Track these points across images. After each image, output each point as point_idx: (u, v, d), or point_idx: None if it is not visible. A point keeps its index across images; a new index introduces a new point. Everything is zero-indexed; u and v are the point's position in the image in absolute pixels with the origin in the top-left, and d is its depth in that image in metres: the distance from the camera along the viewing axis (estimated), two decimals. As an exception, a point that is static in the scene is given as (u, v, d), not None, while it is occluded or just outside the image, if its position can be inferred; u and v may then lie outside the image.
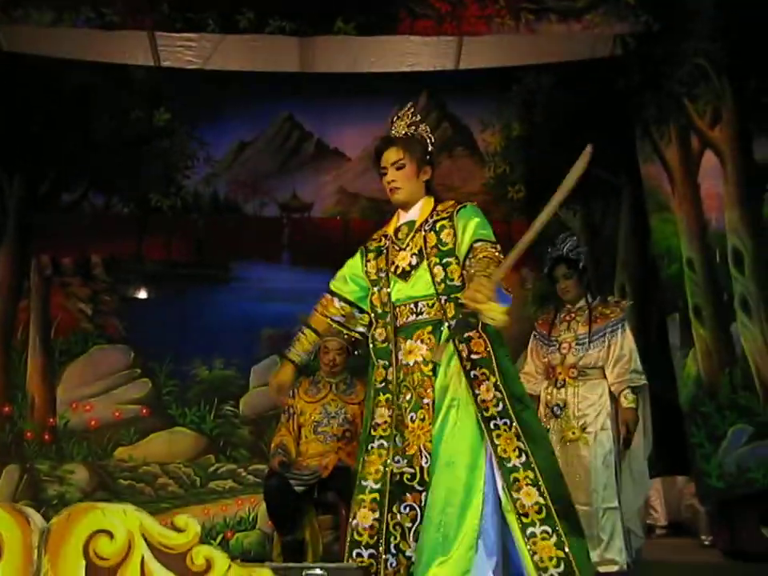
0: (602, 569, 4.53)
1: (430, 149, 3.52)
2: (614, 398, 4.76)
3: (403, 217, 3.50)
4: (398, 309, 3.34)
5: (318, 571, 2.46)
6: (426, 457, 3.14)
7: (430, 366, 3.22)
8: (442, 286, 3.25)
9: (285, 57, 6.97)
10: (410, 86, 7.12)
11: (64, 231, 6.95)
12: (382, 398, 3.30)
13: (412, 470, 3.15)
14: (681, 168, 6.11)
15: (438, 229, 3.36)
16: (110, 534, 1.96)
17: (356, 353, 5.57)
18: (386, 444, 3.23)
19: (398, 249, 3.43)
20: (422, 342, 3.25)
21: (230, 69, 7.04)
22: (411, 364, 3.25)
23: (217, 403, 6.84)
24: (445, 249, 3.30)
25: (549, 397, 4.83)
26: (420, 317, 3.27)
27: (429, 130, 3.59)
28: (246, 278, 7.08)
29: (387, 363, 3.32)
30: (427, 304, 3.28)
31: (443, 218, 3.39)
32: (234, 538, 6.33)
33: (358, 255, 3.62)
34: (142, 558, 1.97)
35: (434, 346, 3.21)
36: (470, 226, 3.24)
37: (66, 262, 7.03)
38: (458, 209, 3.35)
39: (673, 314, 6.03)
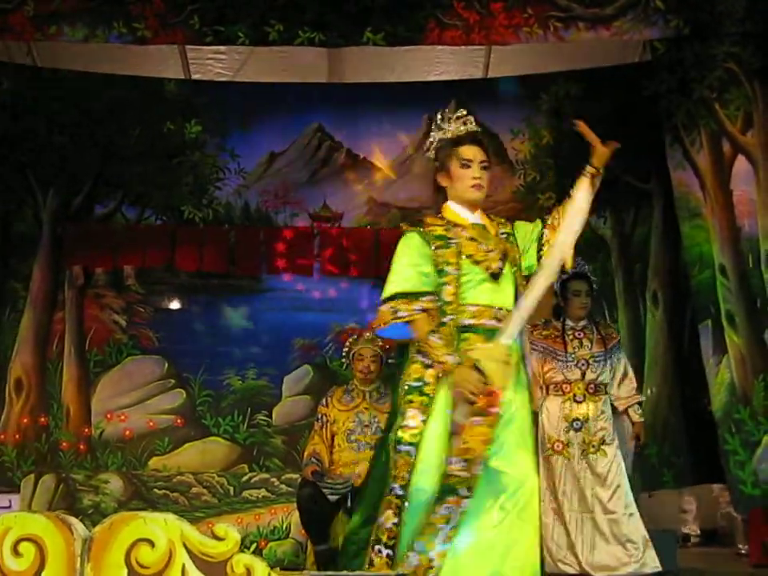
0: (646, 570, 4.66)
1: None
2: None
3: (466, 216, 3.33)
4: (474, 308, 3.16)
5: (354, 580, 2.48)
6: (482, 464, 3.07)
7: None
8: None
9: (314, 68, 7.02)
10: (438, 96, 7.12)
11: (97, 243, 7.03)
12: (416, 398, 3.14)
13: (466, 475, 3.05)
14: (712, 174, 6.06)
15: (510, 240, 3.33)
16: (152, 543, 1.98)
17: (389, 361, 5.59)
18: (412, 452, 3.13)
19: (483, 247, 3.24)
20: None
21: (260, 80, 7.11)
22: None
23: (250, 413, 6.88)
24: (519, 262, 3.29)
25: (567, 411, 4.96)
26: (499, 323, 3.12)
27: None
28: (277, 288, 7.11)
29: (430, 362, 3.14)
30: (506, 312, 3.16)
31: (508, 231, 3.37)
32: (267, 547, 6.34)
33: (418, 238, 3.23)
34: (183, 566, 1.99)
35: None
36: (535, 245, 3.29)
37: (100, 273, 7.12)
38: (513, 223, 3.39)
39: (705, 321, 5.98)
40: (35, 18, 5.88)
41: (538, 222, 3.33)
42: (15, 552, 1.96)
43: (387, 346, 5.48)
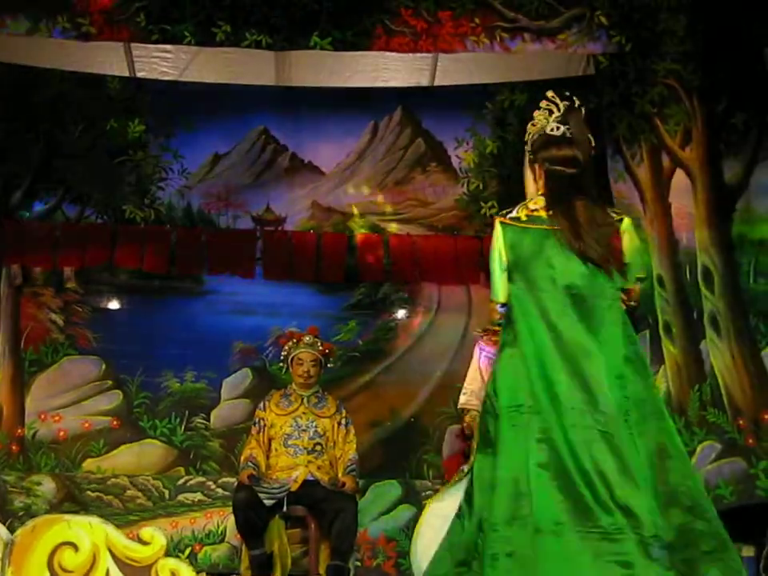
0: None
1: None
2: None
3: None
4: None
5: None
6: None
7: None
8: None
9: (261, 70, 6.97)
10: (385, 102, 7.18)
11: (36, 241, 6.89)
12: None
13: None
14: (652, 187, 6.19)
15: None
16: (75, 547, 1.96)
17: (329, 365, 5.60)
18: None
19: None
20: None
21: (205, 81, 7.04)
22: None
23: (188, 416, 6.81)
24: None
25: None
26: None
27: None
28: (218, 290, 7.06)
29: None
30: None
31: None
32: (202, 551, 6.31)
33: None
34: (107, 570, 1.97)
35: None
36: None
37: (38, 271, 6.99)
38: None
39: (643, 331, 6.09)
40: (-24, 10, 5.79)
41: None
42: (-67, 555, 1.92)
43: (327, 351, 5.49)
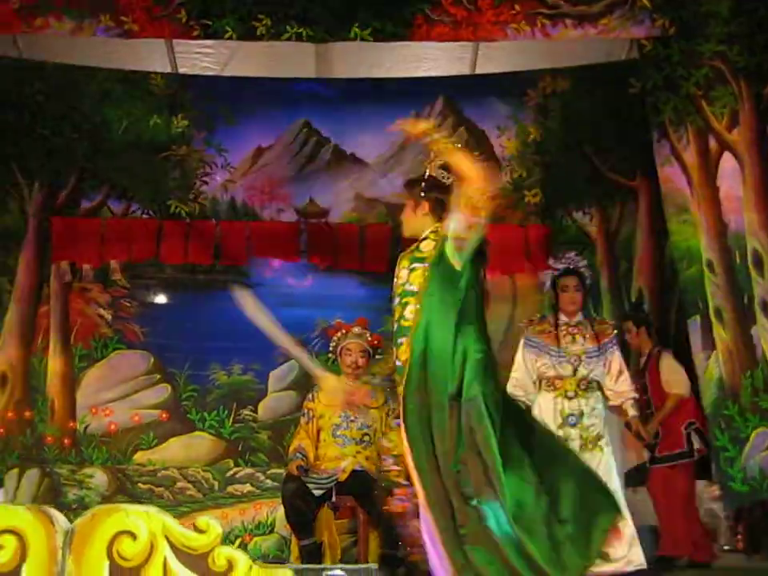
0: (630, 567, 4.66)
1: None
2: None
3: None
4: None
5: (338, 572, 2.48)
6: None
7: None
8: None
9: (301, 63, 7.00)
10: (426, 92, 7.15)
11: (83, 237, 6.99)
12: None
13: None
14: (699, 170, 6.09)
15: None
16: (133, 535, 1.98)
17: (377, 356, 5.59)
18: None
19: None
20: None
21: (247, 75, 7.08)
22: None
23: (235, 408, 6.87)
24: None
25: (561, 407, 4.96)
26: None
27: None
28: (264, 283, 7.09)
29: None
30: None
31: None
32: (252, 541, 6.35)
33: None
34: (165, 558, 1.99)
35: None
36: None
37: (86, 267, 7.09)
38: None
39: (694, 316, 6.00)
40: (21, 10, 5.85)
41: None
42: (-4, 544, 1.96)
43: (375, 342, 5.49)
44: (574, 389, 4.99)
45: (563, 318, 5.13)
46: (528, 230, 7.02)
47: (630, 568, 4.74)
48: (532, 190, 7.02)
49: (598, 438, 4.94)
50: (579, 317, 5.14)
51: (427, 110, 7.25)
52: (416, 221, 3.63)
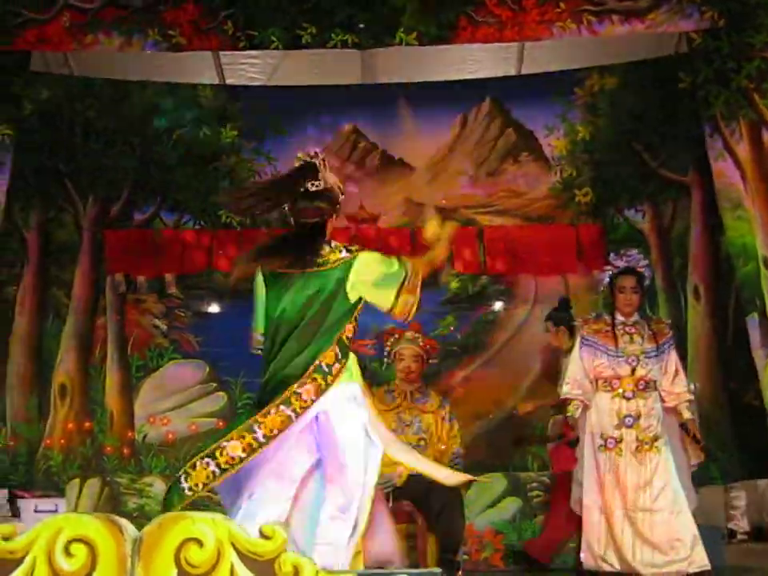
0: (693, 568, 4.59)
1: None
2: None
3: None
4: None
5: (403, 577, 2.47)
6: None
7: None
8: None
9: (347, 69, 7.02)
10: (472, 94, 7.13)
11: (137, 249, 7.08)
12: None
13: None
14: (753, 164, 5.99)
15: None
16: (200, 543, 1.98)
17: (430, 360, 5.58)
18: None
19: None
20: None
21: (293, 84, 7.13)
22: None
23: (291, 415, 6.87)
24: None
25: (618, 407, 4.91)
26: None
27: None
28: (316, 290, 7.12)
29: None
30: None
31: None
32: (311, 548, 6.35)
33: None
34: (231, 565, 1.99)
35: None
36: None
37: (140, 279, 7.18)
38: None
39: (752, 313, 5.90)
40: (71, 28, 5.96)
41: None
42: (67, 553, 1.97)
43: (428, 346, 5.48)
44: (632, 389, 4.94)
45: (620, 317, 5.06)
46: (579, 229, 6.95)
47: (693, 569, 4.68)
48: (582, 188, 6.96)
49: (655, 438, 4.87)
50: (635, 316, 5.08)
51: (474, 112, 7.23)
52: None
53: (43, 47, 6.13)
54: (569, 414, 5.00)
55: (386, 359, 5.57)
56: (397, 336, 5.47)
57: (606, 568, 4.82)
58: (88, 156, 7.01)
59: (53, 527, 1.99)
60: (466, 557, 5.76)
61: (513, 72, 7.08)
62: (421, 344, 5.43)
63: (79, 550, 1.98)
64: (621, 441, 4.86)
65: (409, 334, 5.44)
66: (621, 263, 5.06)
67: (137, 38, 6.13)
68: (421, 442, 5.32)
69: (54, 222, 7.03)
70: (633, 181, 6.90)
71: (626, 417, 4.90)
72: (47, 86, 6.84)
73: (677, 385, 4.99)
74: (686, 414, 5.02)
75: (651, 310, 6.61)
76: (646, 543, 4.77)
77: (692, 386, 6.03)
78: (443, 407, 5.46)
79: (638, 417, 4.89)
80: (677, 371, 5.01)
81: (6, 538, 1.99)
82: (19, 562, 1.97)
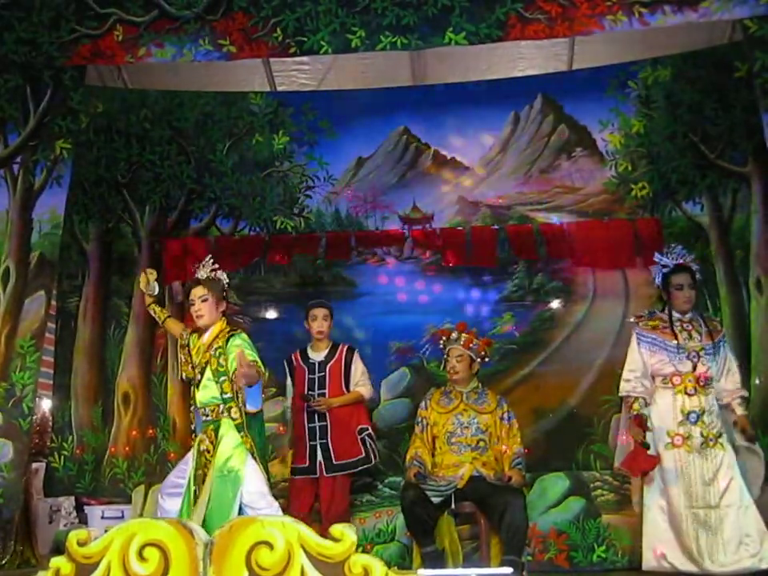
0: (764, 564, 4.55)
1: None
2: None
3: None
4: None
5: (472, 577, 2.46)
6: None
7: None
8: None
9: (397, 71, 7.03)
10: (524, 91, 7.09)
11: (194, 257, 7.14)
12: None
13: None
14: (813, 152, 5.85)
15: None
16: (270, 545, 2.00)
17: (485, 359, 5.55)
18: None
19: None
20: None
21: (344, 88, 7.16)
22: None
23: (351, 417, 6.88)
24: None
25: (681, 404, 4.86)
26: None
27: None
28: (372, 292, 7.14)
29: None
30: None
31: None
32: (373, 550, 6.36)
33: None
34: (302, 567, 2.01)
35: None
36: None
37: (198, 287, 7.24)
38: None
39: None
40: (124, 41, 6.04)
41: None
42: (141, 557, 2.01)
43: (473, 345, 5.44)
44: (694, 385, 4.89)
45: (675, 313, 5.02)
46: (637, 223, 6.86)
47: (765, 564, 4.61)
48: (639, 182, 6.87)
49: (719, 434, 4.86)
50: (691, 313, 5.06)
51: (526, 110, 7.19)
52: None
53: (97, 61, 6.22)
54: (637, 412, 4.93)
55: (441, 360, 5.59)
56: (445, 337, 5.48)
57: (668, 568, 4.76)
58: (144, 167, 7.14)
59: (126, 532, 2.03)
60: (530, 557, 5.73)
61: (564, 68, 7.02)
62: (462, 343, 5.40)
63: (152, 554, 2.02)
64: (688, 437, 4.81)
65: (453, 334, 5.44)
66: (669, 260, 5.03)
67: (188, 49, 6.19)
68: (481, 443, 5.31)
69: (113, 233, 7.15)
70: (690, 173, 6.78)
71: (689, 413, 4.86)
72: (102, 100, 6.96)
73: (729, 381, 4.98)
74: (739, 411, 5.00)
75: (713, 304, 6.51)
76: (714, 540, 4.70)
77: (756, 381, 5.94)
78: (501, 407, 5.44)
79: (702, 413, 4.85)
80: (730, 368, 5.00)
81: (81, 544, 2.03)
82: (95, 566, 2.01)
